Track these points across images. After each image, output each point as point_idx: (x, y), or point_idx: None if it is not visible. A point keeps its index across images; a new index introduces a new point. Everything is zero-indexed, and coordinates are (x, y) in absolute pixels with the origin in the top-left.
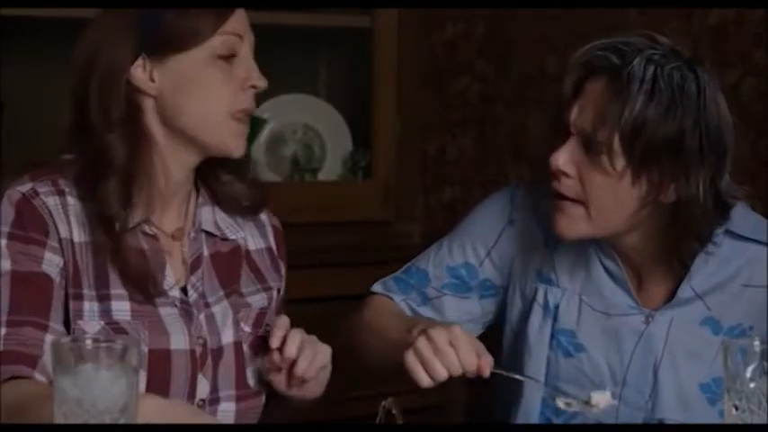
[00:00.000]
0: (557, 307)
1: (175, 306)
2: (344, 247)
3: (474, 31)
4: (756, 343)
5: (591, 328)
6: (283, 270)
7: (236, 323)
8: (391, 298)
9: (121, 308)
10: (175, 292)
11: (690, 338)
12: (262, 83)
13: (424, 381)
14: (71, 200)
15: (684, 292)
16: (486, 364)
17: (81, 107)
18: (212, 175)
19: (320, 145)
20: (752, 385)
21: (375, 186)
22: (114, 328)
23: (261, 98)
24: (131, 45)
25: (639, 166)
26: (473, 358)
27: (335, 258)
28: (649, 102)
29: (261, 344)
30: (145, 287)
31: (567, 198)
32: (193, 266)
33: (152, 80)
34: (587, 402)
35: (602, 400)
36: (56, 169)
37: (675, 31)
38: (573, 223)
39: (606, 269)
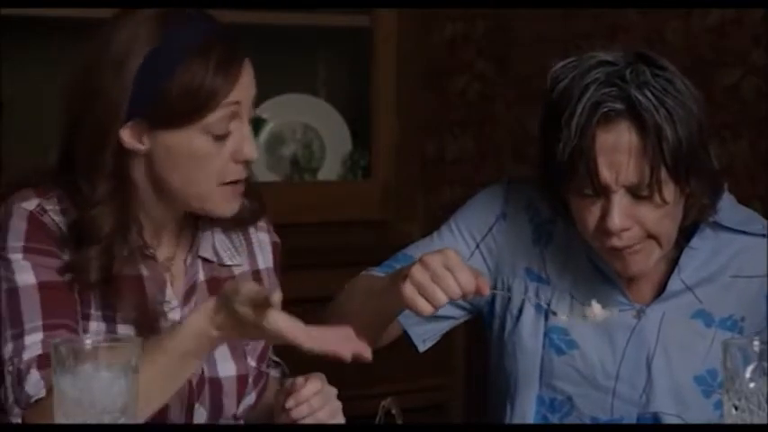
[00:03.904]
0: (548, 305)
1: None
2: (344, 247)
3: (474, 30)
4: (756, 343)
5: (583, 324)
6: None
7: (244, 356)
8: None
9: (126, 331)
10: (176, 315)
11: (682, 332)
12: (253, 155)
13: (425, 309)
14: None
15: (674, 285)
16: (485, 283)
17: (68, 156)
18: None
19: (319, 145)
20: (751, 385)
21: (374, 186)
22: None
23: (260, 98)
24: (124, 107)
25: (686, 180)
26: (471, 278)
27: (335, 258)
28: (673, 124)
29: (261, 377)
30: (143, 320)
31: (631, 245)
32: (188, 294)
33: (141, 143)
34: (585, 316)
35: (597, 311)
36: (55, 185)
37: (675, 30)
38: (648, 258)
39: (596, 267)
